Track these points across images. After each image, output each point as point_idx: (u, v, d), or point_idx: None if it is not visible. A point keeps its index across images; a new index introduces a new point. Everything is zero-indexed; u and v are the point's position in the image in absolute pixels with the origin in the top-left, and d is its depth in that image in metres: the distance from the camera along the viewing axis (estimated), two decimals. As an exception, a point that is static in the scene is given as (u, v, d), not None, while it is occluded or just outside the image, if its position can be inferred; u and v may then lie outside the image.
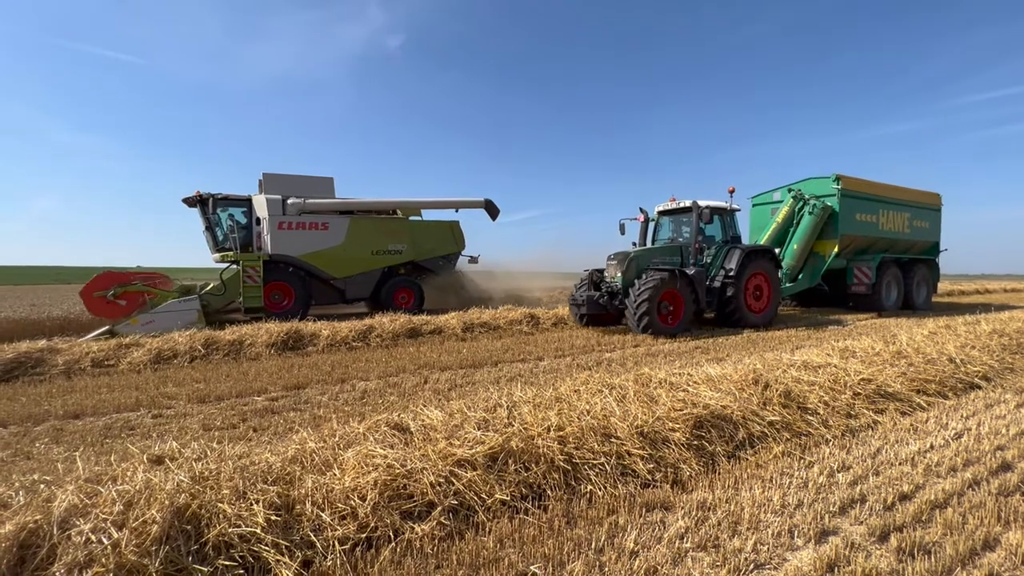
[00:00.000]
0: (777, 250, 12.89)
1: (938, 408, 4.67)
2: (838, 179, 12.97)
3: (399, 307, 12.64)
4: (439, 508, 2.58)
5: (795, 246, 13.13)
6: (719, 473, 3.25)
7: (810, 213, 12.94)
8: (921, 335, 6.96)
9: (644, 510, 2.79)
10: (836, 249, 12.93)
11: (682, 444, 3.40)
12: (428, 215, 14.81)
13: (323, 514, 2.41)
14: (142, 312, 9.53)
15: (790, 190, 13.86)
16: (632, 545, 2.44)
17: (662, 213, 11.55)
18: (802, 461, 3.46)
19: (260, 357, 7.47)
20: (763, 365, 4.95)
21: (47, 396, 5.43)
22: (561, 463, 3.03)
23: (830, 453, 3.60)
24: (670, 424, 3.53)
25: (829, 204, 13.00)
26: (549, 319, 11.01)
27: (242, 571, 2.12)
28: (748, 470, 3.30)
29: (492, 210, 14.20)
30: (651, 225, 11.89)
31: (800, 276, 13.39)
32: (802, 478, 3.18)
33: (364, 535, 2.40)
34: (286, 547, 2.22)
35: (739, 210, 11.33)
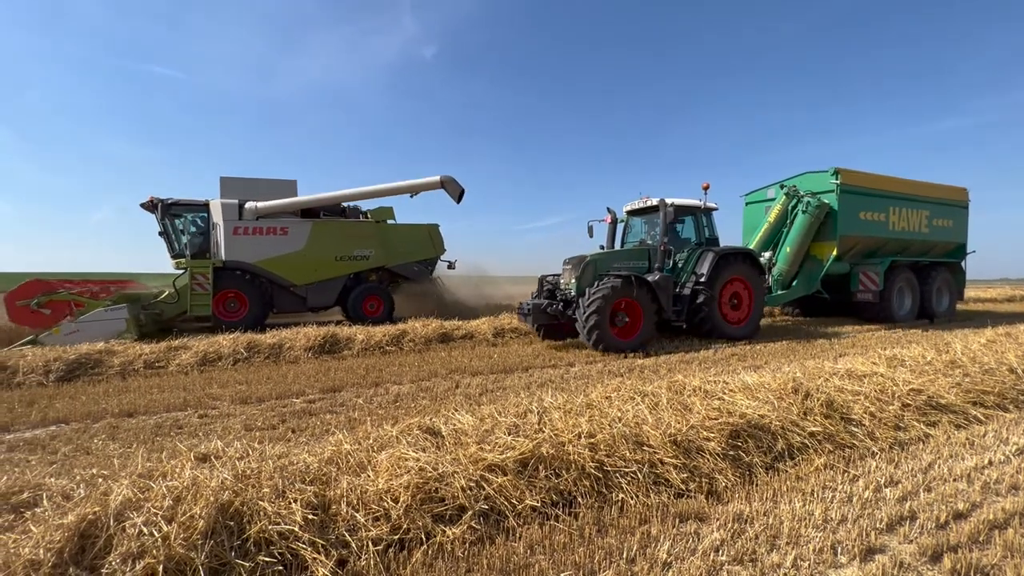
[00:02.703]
0: (768, 253, 12.05)
1: (997, 421, 4.39)
2: (836, 173, 11.48)
3: (367, 316, 12.09)
4: (470, 512, 2.60)
5: (788, 249, 11.72)
6: (756, 485, 3.15)
7: (804, 212, 11.49)
8: (978, 343, 6.55)
9: (677, 520, 2.73)
10: (835, 252, 11.50)
11: (717, 454, 3.31)
12: (403, 217, 13.95)
13: (357, 515, 2.47)
14: (70, 321, 8.96)
15: (783, 186, 12.44)
16: (665, 556, 2.39)
17: (631, 213, 10.38)
18: (846, 474, 3.32)
19: (298, 360, 7.72)
20: (803, 373, 4.77)
21: (104, 395, 5.76)
22: (592, 470, 3.01)
23: (877, 467, 3.43)
24: (704, 433, 3.44)
25: (826, 201, 11.56)
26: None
27: (281, 568, 2.20)
28: (788, 482, 3.18)
29: (453, 189, 12.16)
30: (620, 227, 10.75)
31: (795, 282, 11.99)
32: (846, 492, 3.05)
33: (397, 536, 2.44)
34: (322, 546, 2.29)
35: (715, 208, 10.16)
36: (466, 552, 2.42)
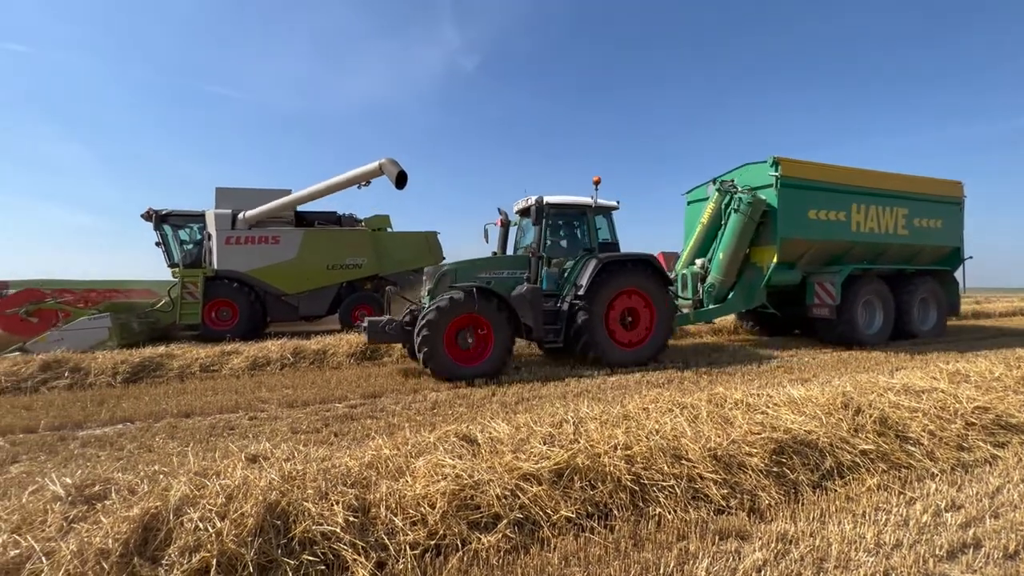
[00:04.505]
0: (701, 260, 10.29)
1: (1077, 444, 4.03)
2: (776, 163, 9.48)
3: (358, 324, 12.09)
4: (505, 521, 2.62)
5: (721, 255, 9.85)
6: (803, 504, 3.03)
7: (736, 211, 9.65)
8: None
9: (717, 538, 2.66)
10: (775, 259, 9.52)
11: (760, 470, 3.20)
12: (397, 225, 13.70)
13: (396, 519, 2.54)
14: (55, 330, 9.12)
15: (715, 181, 10.57)
16: (703, 574, 2.34)
17: (521, 214, 8.73)
18: (902, 496, 3.14)
19: (341, 366, 7.99)
20: (855, 388, 4.54)
21: (164, 396, 6.15)
22: (628, 483, 2.97)
23: (936, 489, 3.23)
24: (746, 448, 3.33)
25: (763, 198, 9.61)
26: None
27: (323, 567, 2.28)
28: (836, 502, 3.04)
29: (391, 172, 10.34)
30: (514, 230, 9.19)
31: (731, 295, 10.01)
32: (901, 515, 2.88)
33: (433, 542, 2.49)
34: (362, 547, 2.36)
35: (614, 207, 8.56)
36: (501, 560, 2.44)
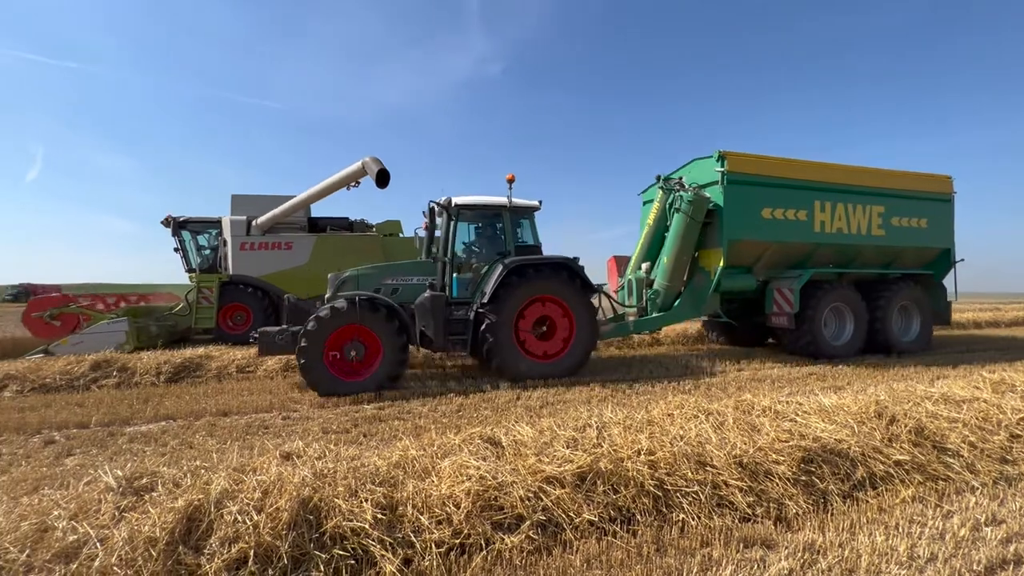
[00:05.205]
0: (646, 265, 9.54)
1: None
2: (722, 158, 8.70)
3: None
4: (528, 522, 2.67)
5: (665, 259, 9.12)
6: (832, 514, 2.97)
7: (678, 210, 8.90)
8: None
9: (742, 545, 2.64)
10: (722, 262, 8.70)
11: (787, 478, 3.15)
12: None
13: (422, 517, 2.62)
14: (76, 333, 9.49)
15: (659, 178, 9.73)
16: (727, 581, 2.33)
17: (438, 216, 8.18)
18: (939, 509, 3.04)
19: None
20: (889, 397, 4.40)
21: (204, 396, 6.43)
22: (651, 488, 2.98)
23: (976, 503, 3.12)
24: (773, 456, 3.29)
25: (706, 195, 8.83)
26: (645, 340, 10.71)
27: (353, 562, 2.38)
28: (868, 514, 2.97)
29: (371, 170, 9.75)
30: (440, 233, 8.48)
31: (678, 302, 9.19)
32: (937, 528, 2.80)
33: (458, 541, 2.55)
34: (390, 544, 2.45)
35: (535, 208, 7.85)
36: (524, 561, 2.49)
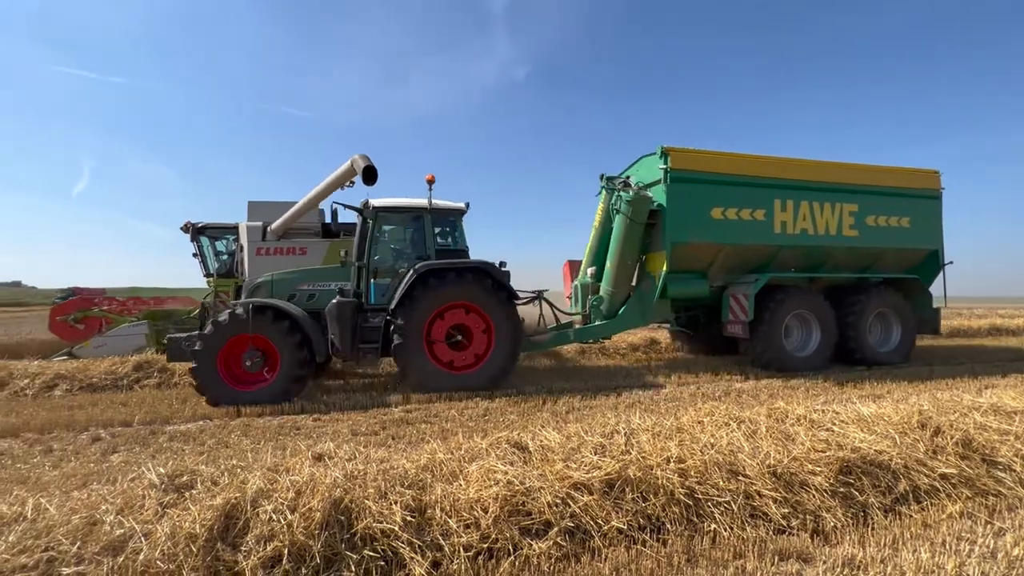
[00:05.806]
0: (591, 269, 9.09)
1: None
2: (665, 154, 8.06)
3: None
4: (556, 528, 2.66)
5: (608, 263, 8.62)
6: (872, 528, 2.85)
7: (618, 211, 8.36)
8: None
9: (777, 558, 2.56)
10: (665, 266, 8.07)
11: (824, 490, 3.05)
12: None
13: (450, 520, 2.63)
14: (98, 336, 9.78)
15: (601, 177, 9.19)
16: (762, 594, 2.27)
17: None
18: (989, 526, 2.90)
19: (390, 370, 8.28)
20: (933, 407, 4.21)
21: (238, 397, 6.62)
22: (682, 496, 2.92)
23: (1031, 520, 2.94)
24: (809, 466, 3.18)
25: (648, 195, 8.27)
26: (670, 345, 10.54)
27: (383, 563, 2.41)
28: (912, 528, 2.84)
29: (360, 165, 8.67)
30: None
31: (623, 309, 8.57)
32: (987, 546, 2.66)
33: (486, 545, 2.56)
34: (419, 546, 2.47)
35: (460, 210, 7.46)
36: (552, 567, 2.47)
